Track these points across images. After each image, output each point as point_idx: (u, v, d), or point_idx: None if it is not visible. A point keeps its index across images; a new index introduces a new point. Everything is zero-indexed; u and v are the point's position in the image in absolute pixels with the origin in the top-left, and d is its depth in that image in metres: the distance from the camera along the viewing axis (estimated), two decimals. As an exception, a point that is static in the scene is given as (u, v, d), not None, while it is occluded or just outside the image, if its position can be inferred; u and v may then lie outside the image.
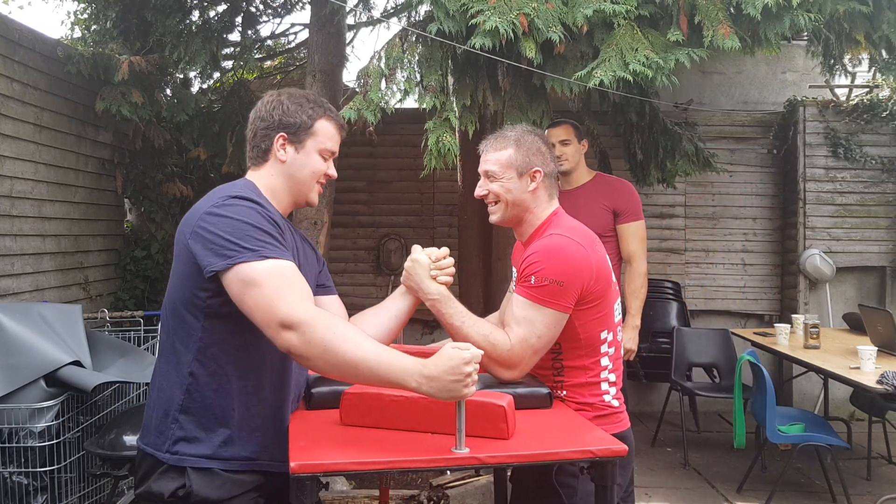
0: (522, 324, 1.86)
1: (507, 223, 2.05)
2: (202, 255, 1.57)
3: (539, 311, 1.85)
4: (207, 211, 1.61)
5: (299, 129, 1.76)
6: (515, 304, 1.89)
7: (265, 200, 1.71)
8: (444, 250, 1.95)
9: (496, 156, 2.00)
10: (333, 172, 1.84)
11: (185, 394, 1.63)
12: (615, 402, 1.97)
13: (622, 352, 3.35)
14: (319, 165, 1.79)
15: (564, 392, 1.94)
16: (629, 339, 3.52)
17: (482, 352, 1.53)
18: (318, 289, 1.90)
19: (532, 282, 1.85)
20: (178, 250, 1.66)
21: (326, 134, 1.80)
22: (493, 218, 2.05)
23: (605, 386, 1.95)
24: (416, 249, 1.95)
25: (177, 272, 1.67)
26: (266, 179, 1.77)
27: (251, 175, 1.80)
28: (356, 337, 1.52)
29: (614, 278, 2.00)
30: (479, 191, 2.04)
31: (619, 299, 2.03)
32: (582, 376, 1.92)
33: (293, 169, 1.77)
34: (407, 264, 1.94)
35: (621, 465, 1.96)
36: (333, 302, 1.94)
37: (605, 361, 1.95)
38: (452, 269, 1.94)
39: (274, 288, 1.52)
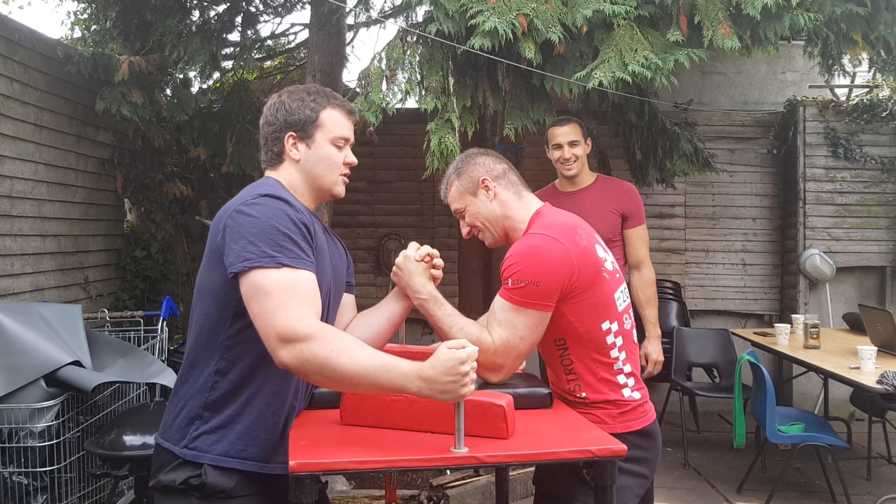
0: (504, 326, 1.85)
1: (502, 241, 2.06)
2: (227, 255, 1.56)
3: (519, 312, 1.83)
4: (237, 209, 1.59)
5: (305, 124, 1.75)
6: (496, 306, 1.88)
7: (293, 198, 1.69)
8: (426, 248, 1.92)
9: (450, 195, 2.05)
10: (352, 159, 1.81)
11: (208, 392, 1.63)
12: (637, 395, 1.94)
13: (652, 365, 3.37)
14: (335, 156, 1.77)
15: (584, 394, 1.90)
16: (655, 350, 3.41)
17: (477, 348, 1.53)
18: (346, 286, 1.91)
19: (509, 284, 1.84)
20: (210, 247, 1.64)
21: (334, 122, 1.77)
22: (488, 245, 2.09)
23: (622, 379, 1.92)
24: (412, 246, 1.93)
25: (207, 269, 1.65)
26: (286, 178, 1.76)
27: (271, 175, 1.78)
28: (351, 348, 1.50)
29: (612, 266, 1.94)
30: (463, 231, 2.08)
31: (621, 287, 1.96)
32: (597, 373, 1.89)
33: (309, 165, 1.75)
34: (399, 260, 1.92)
35: (653, 456, 1.96)
36: (348, 301, 1.94)
37: (615, 353, 1.90)
38: (441, 262, 1.92)
39: (281, 300, 1.50)
